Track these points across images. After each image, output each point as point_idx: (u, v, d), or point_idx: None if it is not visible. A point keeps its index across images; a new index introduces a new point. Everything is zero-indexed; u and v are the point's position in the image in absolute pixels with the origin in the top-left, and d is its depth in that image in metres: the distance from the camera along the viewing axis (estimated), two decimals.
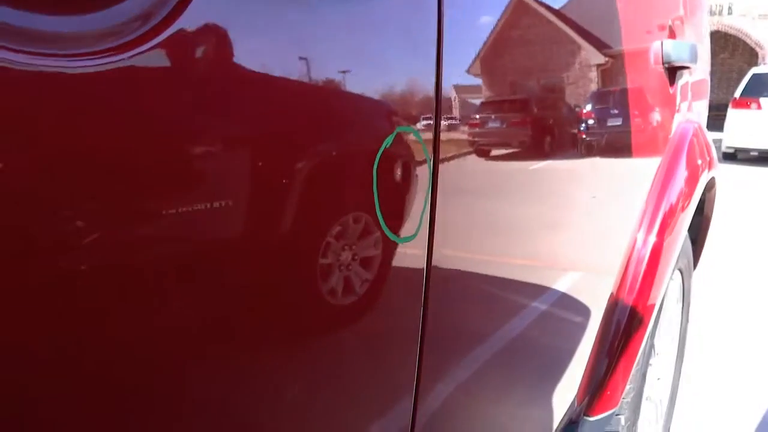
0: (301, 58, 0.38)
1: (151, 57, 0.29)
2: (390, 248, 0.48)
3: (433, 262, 0.53)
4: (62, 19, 0.27)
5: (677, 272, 1.52)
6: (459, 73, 0.56)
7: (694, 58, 1.23)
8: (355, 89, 0.43)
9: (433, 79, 0.50)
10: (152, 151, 0.31)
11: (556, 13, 0.80)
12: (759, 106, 8.94)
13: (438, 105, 0.50)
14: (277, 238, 0.39)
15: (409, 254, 0.50)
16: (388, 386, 0.54)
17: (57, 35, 0.26)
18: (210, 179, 0.34)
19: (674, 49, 1.15)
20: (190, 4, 0.30)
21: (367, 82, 0.44)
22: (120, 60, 0.28)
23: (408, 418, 0.56)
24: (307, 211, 0.41)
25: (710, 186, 1.58)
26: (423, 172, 0.49)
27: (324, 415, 0.47)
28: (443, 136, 0.51)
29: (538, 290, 0.83)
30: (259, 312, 0.40)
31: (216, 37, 0.33)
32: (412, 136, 0.48)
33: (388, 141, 0.44)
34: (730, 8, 15.19)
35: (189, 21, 0.31)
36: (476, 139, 0.61)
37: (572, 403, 1.02)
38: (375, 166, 0.44)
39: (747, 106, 9.05)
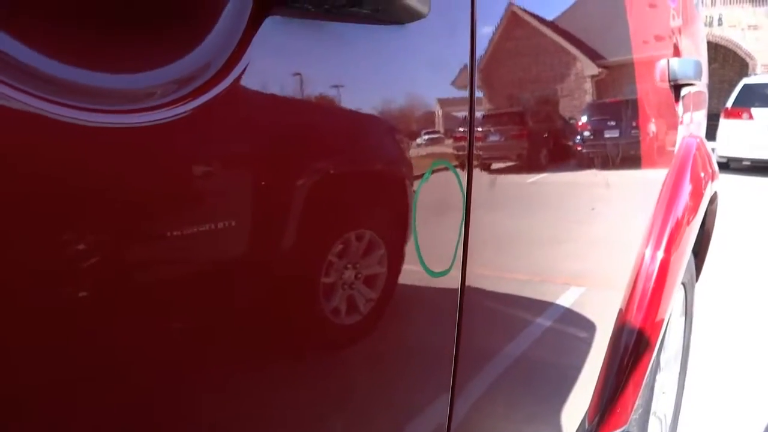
0: (341, 92, 0.38)
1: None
2: (426, 281, 0.48)
3: (466, 286, 0.54)
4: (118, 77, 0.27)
5: (681, 287, 1.52)
6: (491, 103, 0.57)
7: (699, 75, 1.23)
8: (391, 123, 0.44)
9: (467, 112, 0.50)
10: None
11: (551, 24, 0.80)
12: (750, 116, 9.03)
13: (471, 134, 0.50)
14: (314, 269, 0.40)
15: (444, 284, 0.51)
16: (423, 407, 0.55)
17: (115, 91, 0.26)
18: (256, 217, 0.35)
19: (680, 67, 1.16)
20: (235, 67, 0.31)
21: (402, 115, 0.45)
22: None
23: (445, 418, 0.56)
24: (347, 247, 0.41)
25: (712, 199, 1.58)
26: (457, 203, 0.50)
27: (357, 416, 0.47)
28: (475, 164, 0.52)
29: (543, 307, 0.83)
30: (296, 339, 0.40)
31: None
32: (447, 170, 0.48)
33: (427, 176, 0.45)
34: (720, 19, 15.36)
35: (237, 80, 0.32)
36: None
37: (583, 422, 1.02)
38: (415, 202, 0.44)
39: (739, 116, 9.14)
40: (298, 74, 0.35)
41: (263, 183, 0.34)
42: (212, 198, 0.32)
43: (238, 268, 0.34)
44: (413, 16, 0.38)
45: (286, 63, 0.35)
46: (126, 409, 0.32)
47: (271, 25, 0.33)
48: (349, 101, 0.39)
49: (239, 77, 0.31)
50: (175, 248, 0.30)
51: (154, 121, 0.28)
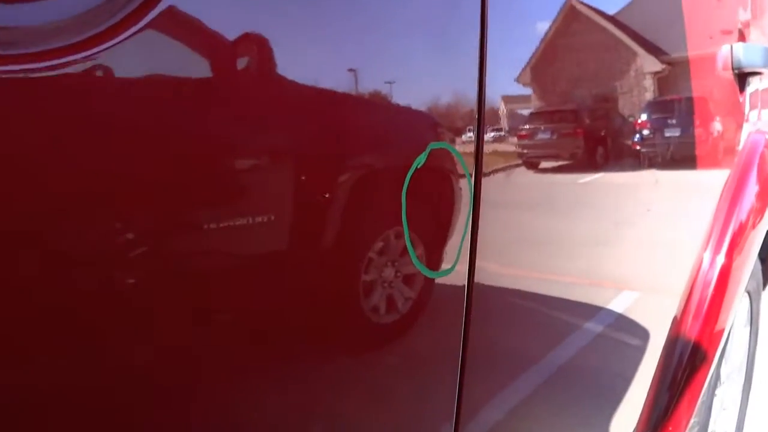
0: (310, 61, 0.34)
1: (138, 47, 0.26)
2: (425, 282, 0.45)
3: (475, 289, 0.51)
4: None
5: (746, 295, 1.42)
6: (505, 82, 0.52)
7: (767, 62, 1.14)
8: (387, 99, 0.40)
9: (476, 91, 0.45)
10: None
11: (610, 18, 0.75)
12: None
13: (481, 117, 0.45)
14: (298, 273, 0.37)
15: (447, 285, 0.46)
16: (427, 415, 0.52)
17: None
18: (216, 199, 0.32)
19: (745, 54, 1.08)
20: None
21: (401, 92, 0.40)
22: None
23: None
24: (331, 239, 0.38)
25: None
26: (464, 191, 0.45)
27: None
28: (487, 149, 0.47)
29: (592, 312, 0.79)
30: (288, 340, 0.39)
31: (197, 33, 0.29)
32: (449, 152, 0.44)
33: (420, 159, 0.40)
34: None
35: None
36: (523, 151, 0.58)
37: None
38: (404, 191, 0.39)
39: None
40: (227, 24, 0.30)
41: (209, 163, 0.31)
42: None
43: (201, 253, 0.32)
44: None
45: (220, 10, 0.30)
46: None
47: None
48: (313, 69, 0.35)
49: (159, 18, 0.27)
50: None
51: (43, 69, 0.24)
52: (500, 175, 0.52)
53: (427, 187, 0.42)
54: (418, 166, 0.40)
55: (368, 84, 0.38)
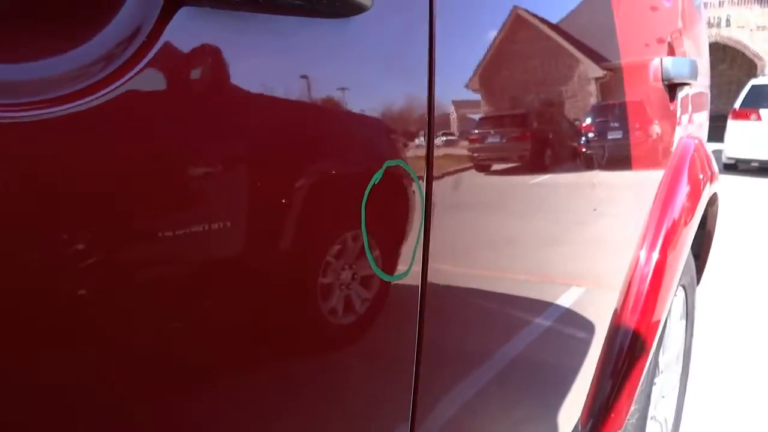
0: (268, 89, 0.36)
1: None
2: (382, 286, 0.47)
3: (428, 288, 0.52)
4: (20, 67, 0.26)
5: (681, 289, 1.50)
6: (452, 96, 0.55)
7: (694, 74, 1.22)
8: (343, 119, 0.42)
9: (425, 108, 0.48)
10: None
11: (554, 27, 0.79)
12: (759, 117, 8.95)
13: (431, 131, 0.49)
14: (262, 278, 0.39)
15: (403, 286, 0.49)
16: (384, 412, 0.53)
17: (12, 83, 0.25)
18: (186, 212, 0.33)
19: (674, 66, 1.15)
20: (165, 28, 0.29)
21: (354, 111, 0.43)
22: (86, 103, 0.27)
23: None
24: (295, 248, 0.40)
25: (712, 201, 1.56)
26: (416, 196, 0.48)
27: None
28: (438, 153, 0.50)
29: (539, 308, 0.82)
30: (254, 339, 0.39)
31: (188, 68, 0.32)
32: (402, 168, 0.46)
33: (377, 177, 0.43)
34: (728, 20, 15.25)
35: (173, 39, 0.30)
36: (474, 154, 0.60)
37: (576, 426, 1.00)
38: (363, 203, 0.42)
39: (747, 117, 9.07)
40: (219, 68, 0.33)
41: (179, 184, 0.33)
42: (103, 201, 0.30)
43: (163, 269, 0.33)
44: (355, 9, 0.37)
45: (203, 57, 0.32)
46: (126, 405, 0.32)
47: (187, 15, 0.31)
48: (280, 98, 0.37)
49: (144, 71, 0.29)
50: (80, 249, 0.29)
51: (37, 116, 0.26)
52: (451, 179, 0.54)
53: (381, 197, 0.44)
54: (375, 183, 0.43)
55: (324, 93, 0.40)
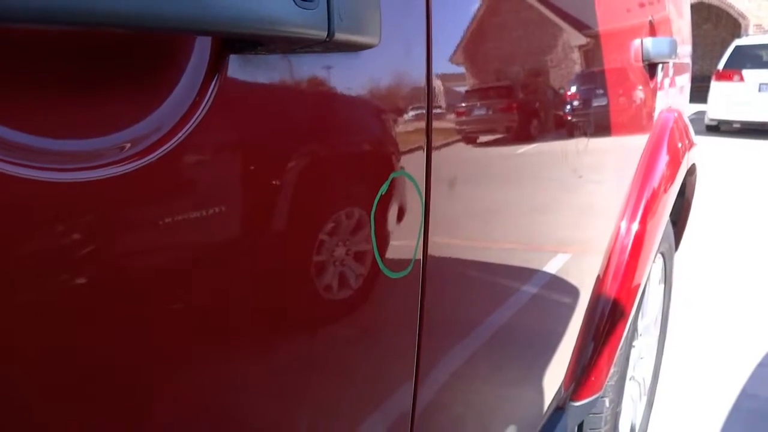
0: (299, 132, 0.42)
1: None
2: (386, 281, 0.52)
3: (428, 261, 0.57)
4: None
5: (659, 255, 1.56)
6: (449, 116, 0.60)
7: (673, 52, 1.25)
8: (351, 136, 0.47)
9: (424, 122, 0.53)
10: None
11: None
12: (741, 78, 8.97)
13: (429, 145, 0.54)
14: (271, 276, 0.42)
15: (404, 259, 0.54)
16: (390, 380, 0.58)
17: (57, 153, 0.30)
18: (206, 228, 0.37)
19: (654, 47, 1.18)
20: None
21: (359, 127, 0.48)
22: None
23: (409, 404, 0.60)
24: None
25: (691, 171, 1.61)
26: (416, 209, 0.54)
27: (326, 411, 0.50)
28: (436, 125, 0.55)
29: (527, 276, 0.86)
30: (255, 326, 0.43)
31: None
32: (405, 179, 0.52)
33: (384, 188, 0.48)
34: None
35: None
36: (467, 127, 0.63)
37: (559, 389, 1.06)
38: (373, 212, 0.48)
39: (730, 78, 9.09)
40: (256, 117, 0.38)
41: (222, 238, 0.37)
42: (157, 257, 0.34)
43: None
44: (365, 47, 0.41)
45: (241, 110, 0.37)
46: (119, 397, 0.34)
47: (226, 75, 0.36)
48: (305, 134, 0.43)
49: (189, 135, 0.34)
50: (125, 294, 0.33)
51: (96, 177, 0.30)
52: (448, 162, 0.59)
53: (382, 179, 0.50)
54: (383, 194, 0.49)
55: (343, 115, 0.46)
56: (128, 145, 0.32)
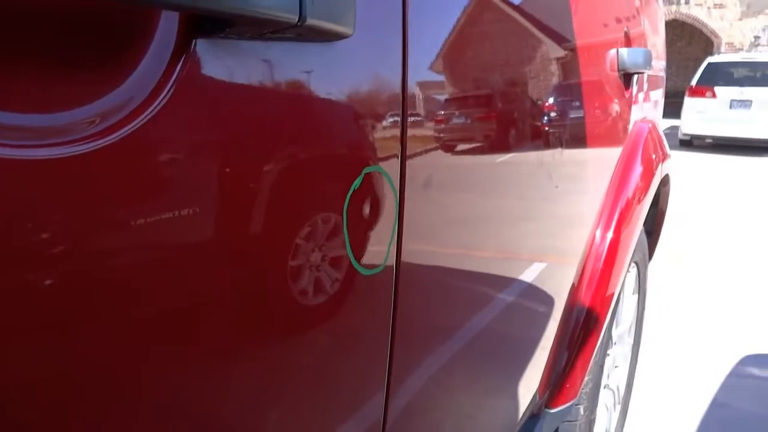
0: (266, 115, 0.41)
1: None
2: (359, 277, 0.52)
3: (402, 269, 0.56)
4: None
5: (633, 265, 1.57)
6: (424, 111, 0.59)
7: (647, 63, 1.27)
8: (323, 129, 0.46)
9: (399, 118, 0.53)
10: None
11: (517, 8, 0.82)
12: (714, 95, 9.19)
13: (404, 140, 0.53)
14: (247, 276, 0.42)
15: (378, 264, 0.53)
16: (361, 388, 0.57)
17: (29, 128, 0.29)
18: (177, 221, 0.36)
19: (629, 57, 1.19)
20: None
21: (333, 122, 0.47)
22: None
23: (380, 411, 0.59)
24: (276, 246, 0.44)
25: (665, 181, 1.64)
26: (390, 206, 0.53)
27: (297, 413, 0.50)
28: (410, 133, 0.54)
29: (503, 284, 0.86)
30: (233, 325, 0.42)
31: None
32: (378, 174, 0.51)
33: (357, 182, 0.47)
34: None
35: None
36: (442, 135, 0.63)
37: (534, 396, 1.06)
38: (345, 207, 0.47)
39: (703, 94, 9.30)
40: (224, 102, 0.37)
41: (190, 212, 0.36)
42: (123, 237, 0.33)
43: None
44: (338, 36, 0.41)
45: (209, 93, 0.37)
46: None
47: (193, 56, 0.35)
48: (275, 122, 0.41)
49: (157, 112, 0.33)
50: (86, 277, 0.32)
51: (64, 154, 0.29)
52: (423, 159, 0.58)
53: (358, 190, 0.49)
54: (356, 188, 0.47)
55: (315, 107, 0.45)
56: (86, 124, 0.31)
